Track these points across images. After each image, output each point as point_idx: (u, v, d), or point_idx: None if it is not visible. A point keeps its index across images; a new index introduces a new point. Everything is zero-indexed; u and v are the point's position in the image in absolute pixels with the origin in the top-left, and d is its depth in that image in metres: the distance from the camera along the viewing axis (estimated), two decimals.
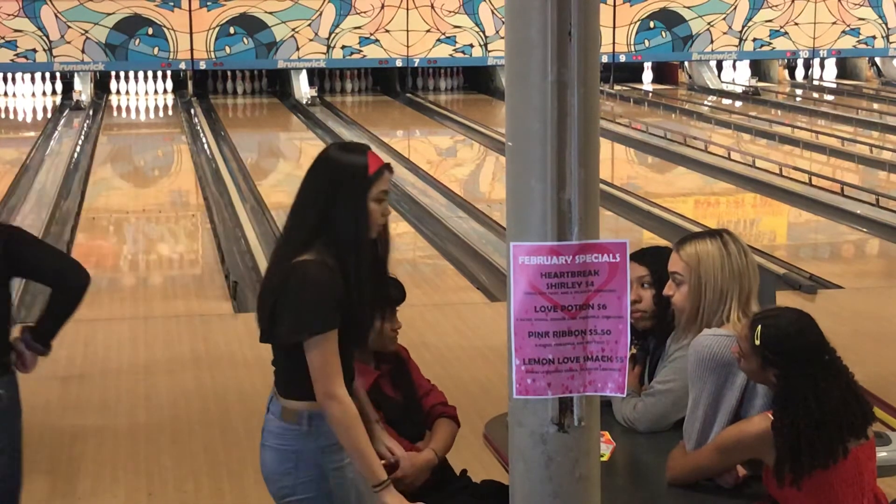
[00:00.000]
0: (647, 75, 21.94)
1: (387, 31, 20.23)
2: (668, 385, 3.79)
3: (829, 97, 20.51)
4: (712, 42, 21.24)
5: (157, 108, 19.54)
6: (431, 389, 4.07)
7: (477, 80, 21.19)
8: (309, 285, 3.26)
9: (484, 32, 20.47)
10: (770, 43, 21.52)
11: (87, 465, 5.50)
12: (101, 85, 20.20)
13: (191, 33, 19.64)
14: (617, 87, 20.78)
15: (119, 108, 19.35)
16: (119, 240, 10.35)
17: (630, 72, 21.68)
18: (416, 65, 20.58)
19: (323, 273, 3.28)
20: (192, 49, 19.64)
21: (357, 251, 3.31)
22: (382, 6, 20.16)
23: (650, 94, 20.41)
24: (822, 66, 22.42)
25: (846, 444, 3.21)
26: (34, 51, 19.28)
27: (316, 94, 19.60)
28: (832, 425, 3.20)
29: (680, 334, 3.74)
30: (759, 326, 3.27)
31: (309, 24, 19.95)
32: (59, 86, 19.90)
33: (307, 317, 3.26)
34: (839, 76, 22.49)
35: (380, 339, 3.86)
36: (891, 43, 21.77)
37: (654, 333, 3.97)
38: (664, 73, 21.99)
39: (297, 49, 19.94)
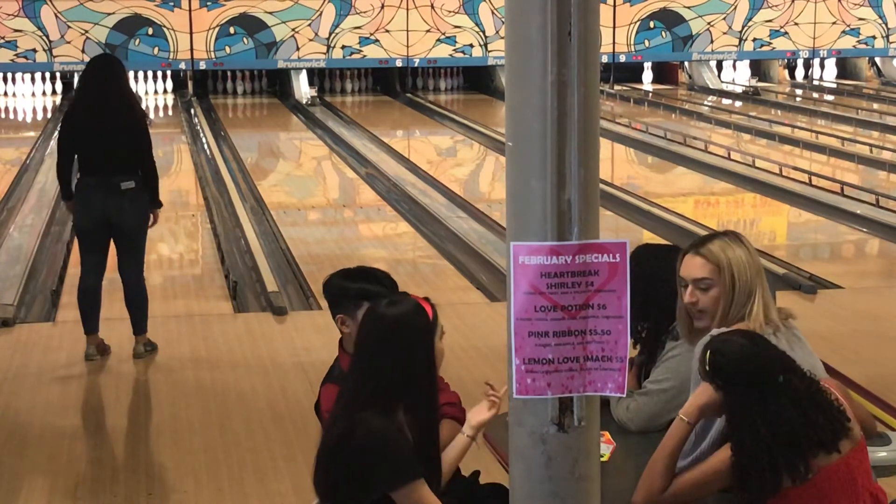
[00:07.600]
0: (647, 75, 21.93)
1: (387, 31, 20.22)
2: (660, 385, 3.81)
3: (829, 97, 20.51)
4: (712, 42, 21.23)
5: (157, 108, 19.53)
6: (444, 388, 4.03)
7: (477, 80, 21.18)
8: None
9: (484, 32, 20.46)
10: (770, 43, 21.51)
11: (87, 465, 5.50)
12: None
13: (191, 33, 19.63)
14: (617, 87, 20.78)
15: None
16: None
17: (630, 72, 21.67)
18: (416, 65, 20.57)
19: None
20: (192, 49, 19.64)
21: None
22: (382, 6, 20.15)
23: (650, 94, 20.40)
24: (822, 66, 22.42)
25: (809, 462, 3.18)
26: (34, 51, 19.28)
27: (316, 94, 19.60)
28: (790, 446, 3.18)
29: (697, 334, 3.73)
30: (708, 353, 3.27)
31: (309, 24, 19.95)
32: (59, 86, 19.90)
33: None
34: (839, 76, 22.48)
35: None
36: (891, 43, 21.76)
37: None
38: (664, 73, 21.98)
39: (297, 49, 19.94)
